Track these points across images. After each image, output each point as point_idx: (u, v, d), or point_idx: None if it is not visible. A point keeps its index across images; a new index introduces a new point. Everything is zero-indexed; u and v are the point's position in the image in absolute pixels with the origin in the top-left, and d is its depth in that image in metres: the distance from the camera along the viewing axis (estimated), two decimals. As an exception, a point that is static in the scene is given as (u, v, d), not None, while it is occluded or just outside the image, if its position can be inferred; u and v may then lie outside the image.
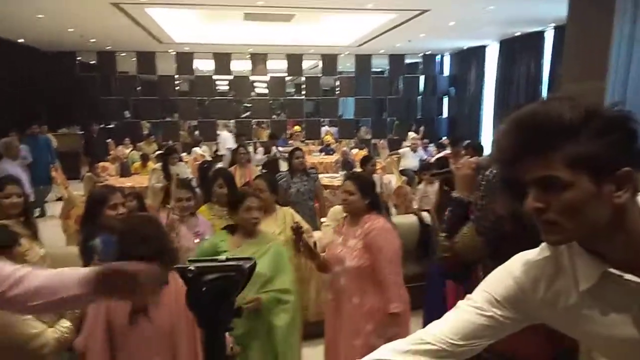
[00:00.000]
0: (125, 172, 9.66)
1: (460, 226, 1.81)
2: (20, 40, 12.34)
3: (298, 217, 3.36)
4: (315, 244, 2.82)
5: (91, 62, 15.08)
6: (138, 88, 15.44)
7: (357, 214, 2.71)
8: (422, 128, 12.36)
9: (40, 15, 9.26)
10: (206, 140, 14.28)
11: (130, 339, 1.93)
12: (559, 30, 10.90)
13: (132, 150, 11.55)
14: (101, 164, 9.21)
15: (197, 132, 15.06)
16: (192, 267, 0.98)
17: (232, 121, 16.03)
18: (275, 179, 3.60)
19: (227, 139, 12.49)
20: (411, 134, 12.64)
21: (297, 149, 5.37)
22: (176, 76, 15.75)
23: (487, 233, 1.68)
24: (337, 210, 3.26)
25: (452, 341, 1.03)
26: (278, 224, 3.24)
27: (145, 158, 9.46)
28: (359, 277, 2.60)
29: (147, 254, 1.91)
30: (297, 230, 2.94)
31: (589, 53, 7.77)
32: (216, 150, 13.09)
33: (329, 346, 2.79)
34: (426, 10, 9.29)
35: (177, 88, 16.10)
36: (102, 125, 12.85)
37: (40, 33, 11.25)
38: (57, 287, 1.14)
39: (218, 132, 14.21)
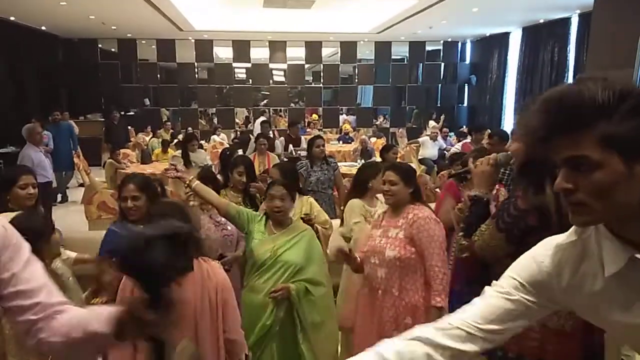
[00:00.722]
0: (145, 158, 9.77)
1: (479, 225, 1.72)
2: (42, 28, 12.48)
3: (317, 207, 3.31)
4: (350, 250, 2.69)
5: (112, 50, 15.20)
6: (158, 76, 15.55)
7: (400, 205, 2.59)
8: (442, 117, 12.20)
9: (62, 2, 9.33)
10: (224, 128, 14.36)
11: None
12: (585, 16, 10.62)
13: (152, 138, 11.66)
14: (122, 150, 9.30)
15: (215, 120, 15.14)
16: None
17: (249, 109, 16.07)
18: (292, 168, 3.54)
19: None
20: (431, 123, 12.50)
21: (318, 137, 5.32)
22: (196, 64, 15.78)
23: (509, 229, 1.60)
24: (355, 204, 3.17)
25: (479, 326, 1.03)
26: (295, 213, 3.18)
27: (165, 145, 9.54)
28: (400, 268, 2.49)
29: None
30: (307, 222, 2.95)
31: (617, 40, 7.58)
32: (234, 138, 13.14)
33: (360, 338, 2.72)
34: (448, -4, 9.12)
35: (196, 76, 16.16)
36: (122, 113, 12.97)
37: (61, 20, 11.35)
38: (90, 320, 1.08)
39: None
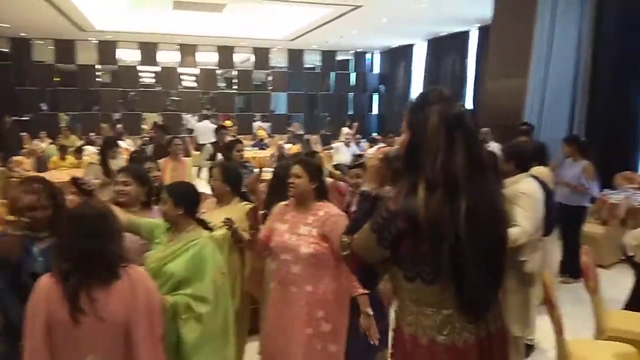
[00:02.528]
0: (41, 166, 8.99)
1: (366, 222, 1.58)
2: None
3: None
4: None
5: (3, 50, 13.88)
6: (56, 78, 14.43)
7: (304, 199, 2.61)
8: (355, 123, 12.51)
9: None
10: (130, 134, 13.63)
11: (75, 335, 1.76)
12: (483, 30, 11.43)
13: (50, 144, 10.78)
14: (15, 158, 8.48)
15: (119, 125, 14.32)
16: None
17: (157, 114, 15.42)
18: (234, 169, 3.35)
19: (209, 129, 11.81)
20: (344, 129, 12.73)
21: (238, 141, 5.18)
22: (98, 66, 14.88)
23: (380, 230, 1.47)
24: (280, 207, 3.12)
25: None
26: (229, 216, 3.00)
27: (63, 150, 8.84)
28: (315, 264, 2.50)
29: (93, 248, 1.77)
30: (229, 226, 2.82)
31: (512, 52, 8.22)
32: (142, 144, 12.50)
33: (270, 335, 2.69)
34: (359, 6, 9.38)
35: (98, 79, 15.21)
36: (15, 118, 11.84)
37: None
38: None
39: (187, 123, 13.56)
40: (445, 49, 13.33)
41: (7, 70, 13.76)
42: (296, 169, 2.60)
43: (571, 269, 4.97)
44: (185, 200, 2.39)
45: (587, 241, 4.84)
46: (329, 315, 2.52)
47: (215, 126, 12.62)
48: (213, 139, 11.46)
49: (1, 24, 11.46)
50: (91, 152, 9.19)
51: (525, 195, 2.93)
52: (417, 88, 15.02)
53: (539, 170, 3.61)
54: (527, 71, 7.59)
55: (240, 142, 5.18)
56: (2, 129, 10.35)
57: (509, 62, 8.16)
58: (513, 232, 2.75)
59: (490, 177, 1.49)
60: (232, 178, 3.13)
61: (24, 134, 11.64)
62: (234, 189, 3.13)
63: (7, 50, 13.87)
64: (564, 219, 4.70)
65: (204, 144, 10.92)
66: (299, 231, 2.56)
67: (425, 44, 14.29)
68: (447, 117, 1.43)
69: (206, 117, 14.06)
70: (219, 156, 5.97)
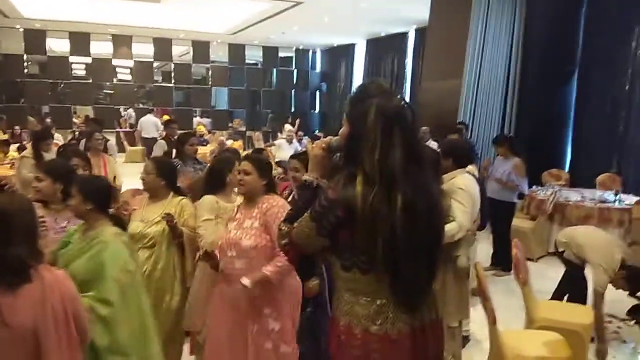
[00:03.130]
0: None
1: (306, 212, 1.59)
2: None
3: (190, 210, 3.00)
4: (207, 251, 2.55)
5: None
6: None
7: (253, 196, 2.56)
8: (298, 120, 12.51)
9: None
10: (60, 128, 12.89)
11: None
12: (420, 31, 11.75)
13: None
14: None
15: (48, 120, 13.53)
16: None
17: (89, 107, 14.71)
18: (169, 163, 3.23)
19: (156, 122, 11.59)
20: (287, 127, 12.71)
21: (192, 135, 5.00)
22: (25, 56, 13.97)
23: (319, 219, 1.47)
24: (207, 200, 2.99)
25: None
26: (167, 211, 2.89)
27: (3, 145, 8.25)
28: (256, 257, 2.45)
29: (17, 232, 1.63)
30: (169, 221, 2.76)
31: (447, 54, 8.50)
32: (71, 139, 11.88)
33: (213, 334, 2.61)
34: (300, 3, 9.36)
35: (26, 70, 14.29)
36: None
37: None
38: None
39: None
40: (385, 49, 13.60)
41: None
42: (245, 165, 2.55)
43: (502, 262, 5.20)
44: (95, 195, 2.27)
45: (517, 235, 5.08)
46: (277, 312, 2.47)
47: (158, 120, 12.37)
48: (155, 134, 11.31)
49: None
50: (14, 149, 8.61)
51: (462, 190, 3.02)
52: (358, 86, 15.21)
53: (470, 167, 3.74)
54: (461, 72, 7.87)
55: (194, 135, 5.00)
56: None
57: (445, 63, 8.43)
58: (451, 227, 2.83)
59: (428, 172, 1.52)
60: (167, 172, 3.03)
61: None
62: (169, 183, 3.02)
63: None
64: (494, 214, 4.91)
65: (148, 138, 10.83)
66: (244, 225, 2.51)
67: (366, 44, 14.50)
68: (385, 111, 1.44)
69: (149, 111, 13.56)
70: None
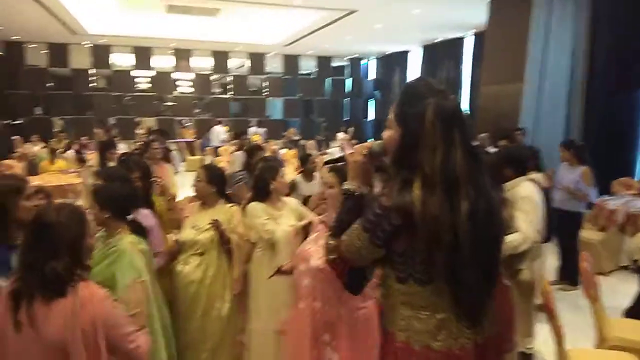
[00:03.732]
0: (33, 170, 8.85)
1: (351, 223, 1.46)
2: None
3: (239, 217, 2.99)
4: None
5: (-4, 53, 13.82)
6: (49, 83, 14.36)
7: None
8: (351, 129, 12.47)
9: None
10: (124, 139, 13.50)
11: (18, 351, 1.65)
12: (478, 36, 11.41)
13: (43, 148, 10.64)
14: (5, 161, 8.34)
15: (114, 131, 14.23)
16: None
17: (152, 119, 15.34)
18: (219, 170, 3.26)
19: (220, 133, 13.02)
20: (340, 135, 12.72)
21: (259, 147, 5.07)
22: (92, 70, 14.78)
23: (373, 229, 1.37)
24: (255, 206, 2.94)
25: None
26: (216, 218, 2.92)
27: (53, 154, 8.72)
28: (321, 280, 2.27)
29: (31, 261, 1.63)
30: (217, 227, 2.76)
31: (507, 58, 8.20)
32: (135, 149, 12.39)
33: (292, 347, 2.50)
34: (354, 11, 9.34)
35: (92, 84, 15.11)
36: (7, 122, 11.74)
37: None
38: None
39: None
40: (441, 55, 13.30)
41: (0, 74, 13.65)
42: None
43: (569, 276, 4.89)
44: (111, 203, 2.29)
45: (585, 247, 4.77)
46: (336, 341, 2.27)
47: (222, 130, 13.06)
48: (217, 144, 12.08)
49: (-6, 27, 11.36)
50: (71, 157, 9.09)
51: (525, 199, 2.85)
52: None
53: (534, 175, 3.54)
54: (522, 76, 7.55)
55: (262, 148, 5.07)
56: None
57: (505, 67, 8.14)
58: (514, 238, 2.66)
59: (487, 175, 1.41)
60: (217, 179, 3.05)
61: (17, 137, 11.51)
62: (219, 190, 3.04)
63: (0, 53, 13.77)
64: (560, 225, 4.63)
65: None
66: (320, 242, 2.31)
67: (421, 50, 14.27)
68: (444, 111, 1.35)
69: (218, 122, 14.14)
70: None
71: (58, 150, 9.25)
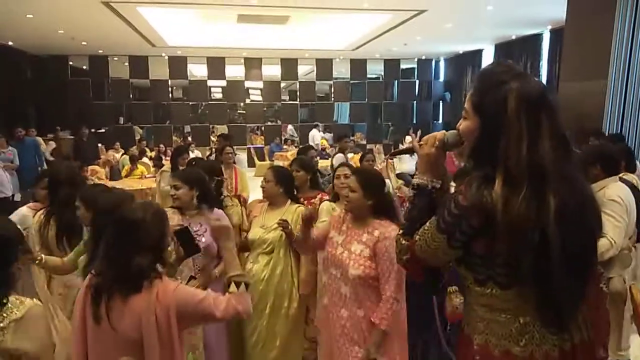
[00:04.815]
0: (115, 175, 9.44)
1: (424, 220, 1.36)
2: (9, 43, 12.10)
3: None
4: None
5: (83, 67, 14.88)
6: (131, 94, 15.30)
7: (361, 215, 2.39)
8: (419, 132, 12.21)
9: (29, 15, 9.04)
10: (199, 145, 14.09)
11: (96, 340, 1.72)
12: (556, 32, 10.81)
13: (123, 155, 11.33)
14: (90, 167, 8.96)
15: (189, 138, 14.89)
16: None
17: (224, 126, 15.91)
18: (287, 171, 3.31)
19: (315, 136, 13.87)
20: (408, 138, 12.50)
21: (369, 152, 5.19)
22: (170, 81, 15.55)
23: (450, 230, 1.26)
24: (324, 206, 3.02)
25: None
26: (284, 218, 2.97)
27: (134, 160, 9.24)
28: (362, 286, 2.30)
29: (143, 242, 1.70)
30: (284, 228, 2.78)
31: (588, 54, 7.68)
32: (209, 155, 12.88)
33: (324, 349, 2.55)
34: (423, 11, 9.15)
35: (170, 94, 15.92)
36: (93, 130, 12.64)
37: (29, 35, 11.03)
38: None
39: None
40: (516, 53, 12.72)
41: (86, 86, 14.70)
42: (351, 182, 2.39)
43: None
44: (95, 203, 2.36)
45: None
46: (383, 347, 2.28)
47: (318, 134, 13.49)
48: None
49: (81, 42, 12.25)
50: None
51: (615, 202, 2.62)
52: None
53: (627, 176, 3.27)
54: (605, 72, 7.05)
55: (371, 153, 5.18)
56: (79, 140, 10.99)
57: (586, 63, 7.64)
58: (601, 243, 2.46)
59: (577, 166, 1.28)
60: (285, 180, 3.10)
61: (101, 145, 12.35)
62: (287, 191, 3.08)
63: (86, 67, 14.82)
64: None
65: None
66: (352, 248, 2.36)
67: (493, 49, 13.76)
68: (529, 96, 1.21)
69: (315, 127, 14.52)
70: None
71: (142, 158, 9.81)
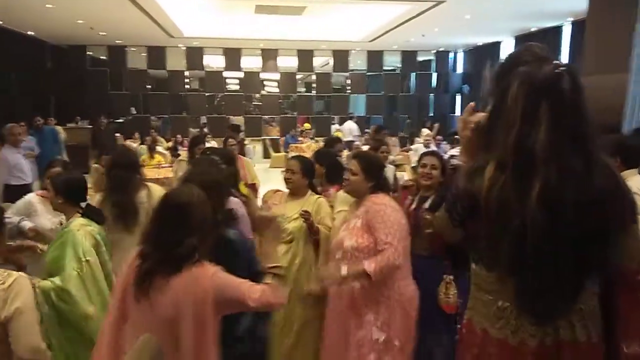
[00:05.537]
0: (133, 165, 9.54)
1: None
2: (29, 33, 12.27)
3: (326, 209, 3.03)
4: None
5: (101, 57, 15.03)
6: (148, 85, 15.45)
7: (360, 196, 2.50)
8: (436, 125, 12.13)
9: (49, 5, 9.15)
10: (215, 136, 14.16)
11: (134, 315, 1.78)
12: (578, 24, 10.62)
13: (140, 144, 11.45)
14: (108, 156, 9.07)
15: (205, 129, 14.99)
16: None
17: (240, 117, 15.97)
18: (311, 164, 3.33)
19: (353, 129, 13.72)
20: (425, 131, 12.43)
21: (339, 140, 5.16)
22: (186, 72, 15.63)
23: (450, 209, 1.36)
24: (342, 194, 3.02)
25: None
26: (305, 208, 3.01)
27: (152, 149, 9.32)
28: (358, 258, 2.32)
29: (192, 224, 1.75)
30: (306, 218, 2.82)
31: (610, 46, 7.51)
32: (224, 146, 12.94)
33: (328, 346, 2.58)
34: (442, 2, 9.05)
35: (187, 85, 16.01)
36: (110, 120, 12.81)
37: (49, 24, 11.18)
38: None
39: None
40: (536, 45, 12.53)
41: (104, 76, 14.87)
42: (352, 164, 2.50)
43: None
44: (64, 189, 2.50)
45: None
46: (381, 321, 2.31)
47: (355, 126, 13.55)
48: (350, 137, 12.71)
49: (99, 33, 12.37)
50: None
51: (636, 194, 2.56)
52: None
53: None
54: (627, 66, 6.90)
55: (340, 141, 5.15)
56: (97, 129, 11.14)
57: (608, 56, 7.48)
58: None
59: (592, 156, 1.22)
60: (311, 172, 3.15)
61: (119, 135, 12.49)
62: (310, 182, 3.14)
63: (104, 57, 14.98)
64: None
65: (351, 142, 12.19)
66: (350, 225, 2.45)
67: (513, 41, 13.56)
68: (532, 81, 1.19)
69: (350, 118, 14.55)
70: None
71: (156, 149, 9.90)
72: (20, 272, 1.88)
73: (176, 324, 1.70)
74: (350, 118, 14.76)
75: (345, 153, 10.88)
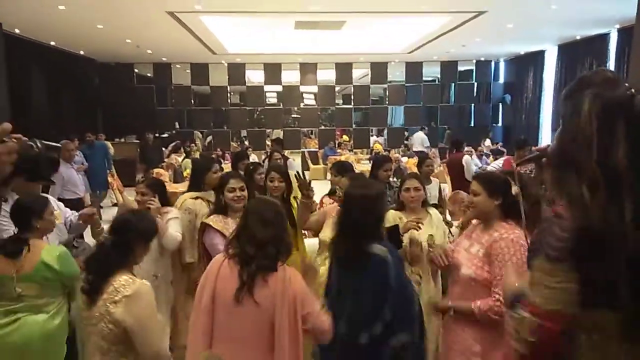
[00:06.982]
0: (178, 178, 9.81)
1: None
2: (80, 52, 12.89)
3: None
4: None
5: (148, 74, 15.61)
6: (192, 100, 15.91)
7: (488, 218, 2.31)
8: (490, 134, 11.95)
9: (100, 26, 9.60)
10: (255, 149, 14.41)
11: (231, 315, 1.87)
12: (624, 32, 10.27)
13: (184, 158, 11.77)
14: (155, 170, 9.37)
15: (246, 142, 15.28)
16: None
17: (280, 130, 16.21)
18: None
19: (424, 139, 14.17)
20: (487, 142, 12.32)
21: (389, 158, 5.07)
22: (228, 87, 16.02)
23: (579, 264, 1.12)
24: (389, 214, 2.98)
25: None
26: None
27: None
28: (473, 289, 2.21)
29: (265, 237, 1.90)
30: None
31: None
32: (264, 159, 13.14)
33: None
34: (483, 12, 8.95)
35: (229, 100, 16.40)
36: (157, 135, 13.25)
37: (99, 44, 11.71)
38: None
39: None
40: (581, 54, 12.18)
41: (150, 92, 15.42)
42: (473, 185, 2.34)
43: None
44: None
45: None
46: (486, 355, 2.18)
47: (425, 137, 13.69)
48: (421, 148, 12.89)
49: (146, 50, 12.85)
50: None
51: None
52: (548, 97, 13.96)
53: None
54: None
55: (390, 159, 5.04)
56: (145, 144, 11.52)
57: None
58: None
59: None
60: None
61: (165, 149, 12.90)
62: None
63: (150, 74, 15.54)
64: None
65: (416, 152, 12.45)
66: (471, 249, 2.30)
67: (556, 50, 13.24)
68: (605, 102, 1.14)
69: (421, 129, 14.85)
70: None
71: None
72: (143, 281, 2.02)
73: (272, 319, 1.84)
74: (422, 129, 14.84)
75: (412, 161, 10.86)
